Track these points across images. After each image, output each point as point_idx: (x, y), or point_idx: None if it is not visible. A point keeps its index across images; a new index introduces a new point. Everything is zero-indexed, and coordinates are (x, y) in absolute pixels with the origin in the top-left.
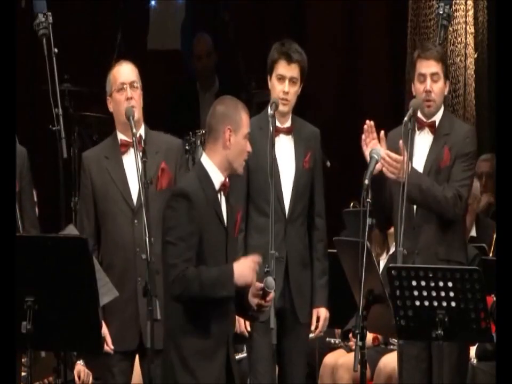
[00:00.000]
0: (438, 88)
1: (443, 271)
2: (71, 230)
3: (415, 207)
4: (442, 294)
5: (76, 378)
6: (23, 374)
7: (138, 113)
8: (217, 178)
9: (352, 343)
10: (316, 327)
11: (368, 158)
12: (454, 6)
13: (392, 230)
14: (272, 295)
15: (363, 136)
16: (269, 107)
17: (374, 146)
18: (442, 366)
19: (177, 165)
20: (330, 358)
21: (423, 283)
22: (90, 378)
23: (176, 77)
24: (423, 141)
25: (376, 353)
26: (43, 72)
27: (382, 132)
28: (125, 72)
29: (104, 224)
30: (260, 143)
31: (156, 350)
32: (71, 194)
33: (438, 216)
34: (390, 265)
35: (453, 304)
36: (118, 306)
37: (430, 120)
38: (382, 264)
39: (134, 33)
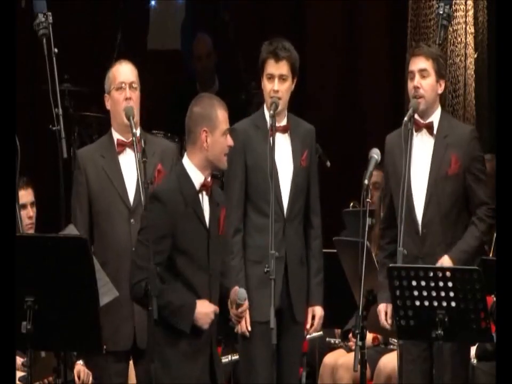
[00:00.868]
0: (427, 84)
1: (443, 271)
2: (71, 230)
3: (421, 212)
4: (442, 294)
5: (76, 378)
6: (23, 374)
7: (136, 115)
8: (197, 178)
9: (352, 343)
10: (311, 325)
11: None
12: (454, 6)
13: None
14: (245, 306)
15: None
16: (264, 107)
17: None
18: (443, 367)
19: (172, 167)
20: (330, 358)
21: (423, 283)
22: (90, 378)
23: (176, 77)
24: (423, 143)
25: (376, 353)
26: (43, 72)
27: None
28: (125, 72)
29: (98, 222)
30: (257, 142)
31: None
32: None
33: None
34: (390, 265)
35: (453, 304)
36: (113, 306)
37: (427, 121)
38: None
39: (134, 33)
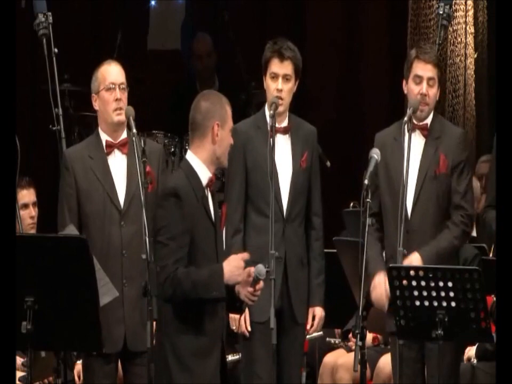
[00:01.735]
0: (433, 93)
1: (443, 271)
2: (71, 230)
3: (409, 211)
4: (442, 294)
5: (76, 378)
6: (23, 374)
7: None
8: (204, 174)
9: (352, 343)
10: (312, 325)
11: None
12: (454, 6)
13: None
14: (261, 283)
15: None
16: (266, 107)
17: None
18: (435, 367)
19: (158, 169)
20: (330, 358)
21: (423, 283)
22: None
23: (176, 77)
24: (414, 144)
25: (376, 353)
26: (43, 72)
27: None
28: (114, 73)
29: (87, 224)
30: (258, 142)
31: (138, 352)
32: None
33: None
34: (390, 265)
35: (453, 304)
36: (104, 309)
37: (422, 123)
38: None
39: (134, 33)
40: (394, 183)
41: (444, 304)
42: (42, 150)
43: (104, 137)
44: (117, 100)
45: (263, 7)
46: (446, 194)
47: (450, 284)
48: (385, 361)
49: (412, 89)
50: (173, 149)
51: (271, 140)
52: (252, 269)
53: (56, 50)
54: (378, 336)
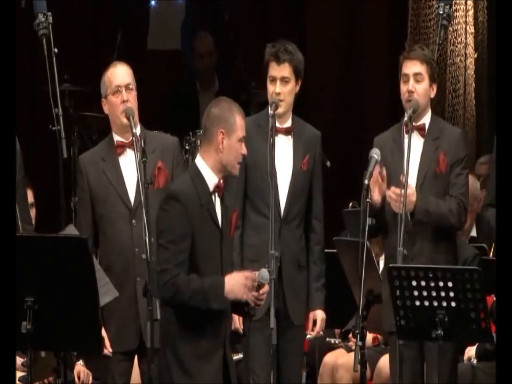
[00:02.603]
0: (422, 88)
1: (443, 271)
2: (71, 230)
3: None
4: (442, 294)
5: (76, 378)
6: (23, 374)
7: (135, 114)
8: (211, 179)
9: (352, 343)
10: (313, 329)
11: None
12: (454, 6)
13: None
14: (266, 287)
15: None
16: (269, 107)
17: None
18: (435, 367)
19: (173, 163)
20: (330, 358)
21: (423, 283)
22: (90, 378)
23: (176, 77)
24: (413, 145)
25: (376, 353)
26: (43, 72)
27: (384, 172)
28: (120, 75)
29: (102, 226)
30: (258, 141)
31: (155, 349)
32: (71, 194)
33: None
34: (390, 265)
35: (453, 304)
36: (118, 306)
37: (419, 123)
38: (382, 264)
39: (134, 33)
40: (394, 184)
41: (444, 304)
42: (42, 150)
43: (116, 138)
44: (123, 102)
45: (263, 7)
46: (446, 193)
47: (450, 284)
48: (385, 361)
49: (401, 88)
50: None
51: (271, 139)
52: (256, 273)
53: (56, 50)
54: (378, 336)
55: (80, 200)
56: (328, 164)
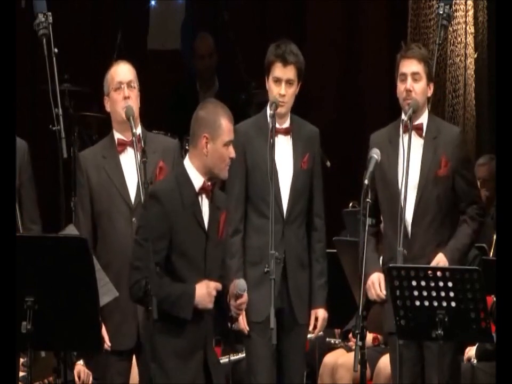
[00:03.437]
0: (419, 87)
1: (443, 271)
2: (71, 230)
3: (410, 213)
4: (442, 294)
5: (76, 378)
6: (23, 374)
7: (136, 113)
8: (197, 181)
9: (352, 343)
10: (314, 327)
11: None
12: (454, 6)
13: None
14: (245, 298)
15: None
16: (268, 107)
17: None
18: (435, 367)
19: (173, 164)
20: (330, 358)
21: (423, 283)
22: (90, 378)
23: (176, 77)
24: (412, 145)
25: (376, 353)
26: (43, 72)
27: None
28: (122, 72)
29: (101, 223)
30: (258, 143)
31: None
32: (71, 194)
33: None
34: (390, 265)
35: (453, 304)
36: (116, 305)
37: (416, 123)
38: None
39: (134, 33)
40: (390, 186)
41: (444, 304)
42: (42, 150)
43: (117, 136)
44: (125, 98)
45: (263, 7)
46: (448, 196)
47: (450, 284)
48: (385, 361)
49: (399, 88)
50: None
51: (271, 140)
52: (236, 282)
53: (56, 50)
54: (378, 336)
55: (79, 196)
56: (328, 163)
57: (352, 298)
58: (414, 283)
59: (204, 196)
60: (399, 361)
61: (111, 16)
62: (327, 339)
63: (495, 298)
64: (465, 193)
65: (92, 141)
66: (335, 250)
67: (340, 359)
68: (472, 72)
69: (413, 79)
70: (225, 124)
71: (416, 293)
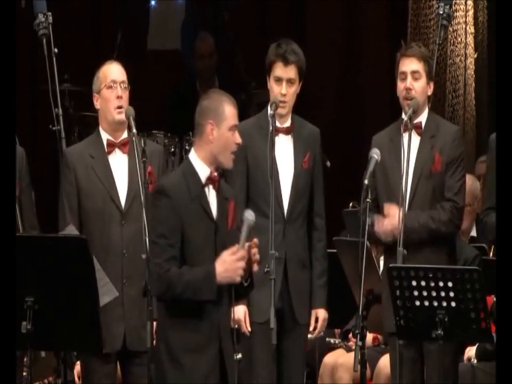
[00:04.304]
0: (419, 86)
1: (443, 271)
2: (71, 230)
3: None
4: (442, 294)
5: (76, 378)
6: (23, 373)
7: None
8: (203, 172)
9: (352, 343)
10: (315, 328)
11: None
12: (454, 6)
13: None
14: (254, 243)
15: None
16: (269, 107)
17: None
18: (435, 367)
19: (159, 170)
20: (330, 358)
21: (423, 283)
22: None
23: (176, 77)
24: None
25: (376, 353)
26: (43, 72)
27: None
28: (115, 71)
29: (87, 223)
30: (259, 142)
31: (137, 352)
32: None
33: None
34: (390, 265)
35: (453, 304)
36: (103, 307)
37: (416, 121)
38: (381, 264)
39: (134, 33)
40: (391, 183)
41: (444, 304)
42: (42, 150)
43: (105, 136)
44: (118, 97)
45: (263, 7)
46: (441, 192)
47: (450, 284)
48: (385, 361)
49: (398, 86)
50: (173, 149)
51: (271, 140)
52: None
53: (56, 50)
54: (378, 336)
55: (66, 194)
56: (328, 163)
57: (352, 298)
58: (414, 283)
59: (211, 186)
60: (399, 361)
61: (111, 16)
62: (327, 339)
63: (495, 298)
64: (447, 191)
65: None
66: (335, 250)
67: (340, 359)
68: (472, 72)
69: (412, 77)
70: (229, 109)
71: (416, 293)
